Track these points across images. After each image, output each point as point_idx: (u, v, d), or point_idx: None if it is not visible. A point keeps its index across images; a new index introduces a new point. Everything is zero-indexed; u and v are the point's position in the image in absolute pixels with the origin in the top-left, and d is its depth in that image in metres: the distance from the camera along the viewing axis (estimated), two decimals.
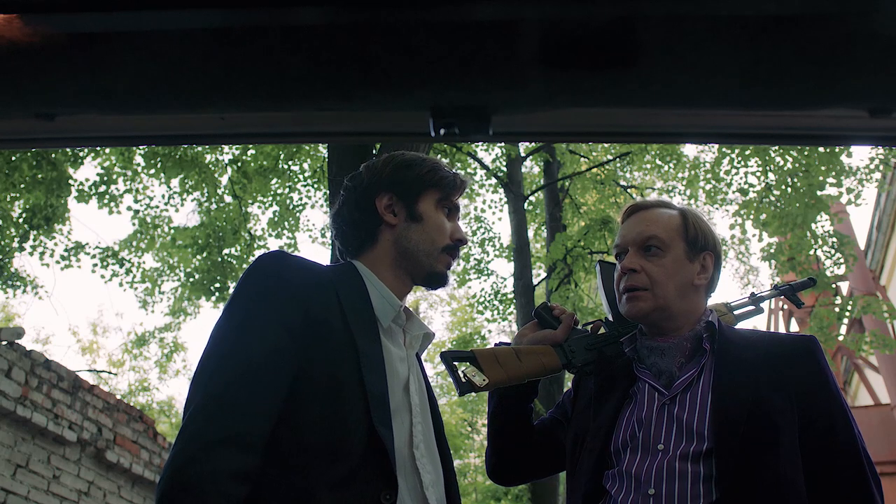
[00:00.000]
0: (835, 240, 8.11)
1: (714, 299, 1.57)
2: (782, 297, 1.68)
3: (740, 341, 1.43)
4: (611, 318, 1.59)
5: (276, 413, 1.17)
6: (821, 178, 7.84)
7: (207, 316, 20.01)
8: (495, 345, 1.54)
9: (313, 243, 18.37)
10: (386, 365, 1.28)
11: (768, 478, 1.24)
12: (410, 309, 1.44)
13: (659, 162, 10.02)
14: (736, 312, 1.64)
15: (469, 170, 10.28)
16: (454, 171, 1.50)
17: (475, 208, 10.54)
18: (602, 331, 1.57)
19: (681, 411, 1.35)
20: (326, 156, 6.69)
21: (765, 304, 1.68)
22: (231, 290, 1.32)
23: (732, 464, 1.25)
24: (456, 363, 1.42)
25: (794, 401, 1.32)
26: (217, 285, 7.81)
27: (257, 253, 5.35)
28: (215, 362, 1.19)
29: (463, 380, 1.39)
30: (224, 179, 8.20)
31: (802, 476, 1.27)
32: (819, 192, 7.82)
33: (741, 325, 1.61)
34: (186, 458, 1.08)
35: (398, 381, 1.31)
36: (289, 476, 1.15)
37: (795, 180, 7.93)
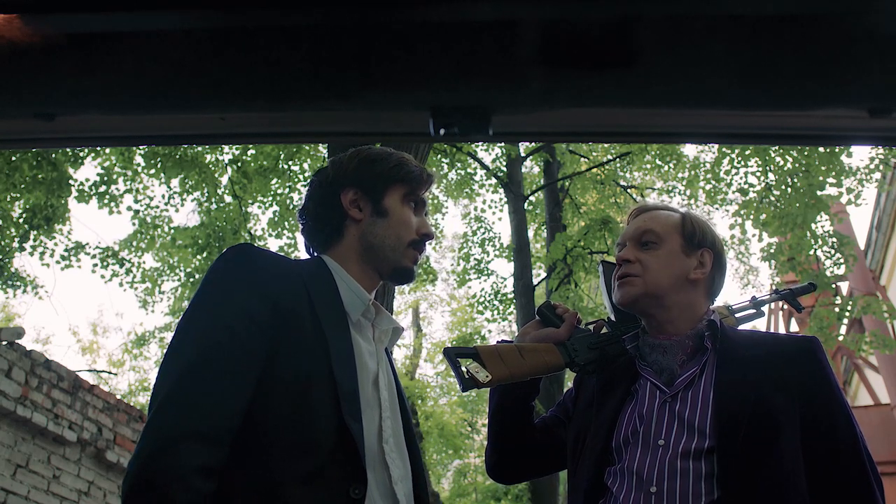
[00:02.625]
0: (835, 240, 8.11)
1: (715, 302, 1.58)
2: (784, 300, 1.69)
3: (742, 341, 1.43)
4: (613, 318, 1.60)
5: (243, 407, 1.15)
6: (821, 178, 7.83)
7: None
8: (497, 342, 1.54)
9: None
10: (356, 359, 1.27)
11: (770, 476, 1.25)
12: (379, 303, 1.43)
13: (659, 162, 10.02)
14: (737, 315, 1.64)
15: (469, 170, 10.28)
16: (420, 165, 1.49)
17: (475, 208, 10.55)
18: (604, 330, 1.58)
19: (682, 408, 1.35)
20: (326, 156, 6.69)
21: (765, 307, 1.69)
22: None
23: (734, 462, 1.25)
24: (459, 359, 1.42)
25: (796, 400, 1.33)
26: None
27: None
28: (182, 355, 1.18)
29: (466, 376, 1.39)
30: (224, 179, 8.20)
31: (804, 475, 1.27)
32: (819, 192, 7.82)
33: (741, 328, 1.62)
34: (151, 452, 1.07)
35: (367, 375, 1.30)
36: (255, 471, 1.14)
37: (795, 180, 7.93)
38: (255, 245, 1.43)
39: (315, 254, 1.47)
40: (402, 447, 1.33)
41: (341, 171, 1.45)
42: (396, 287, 5.83)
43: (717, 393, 1.34)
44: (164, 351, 1.23)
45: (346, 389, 1.22)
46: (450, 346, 1.52)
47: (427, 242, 1.47)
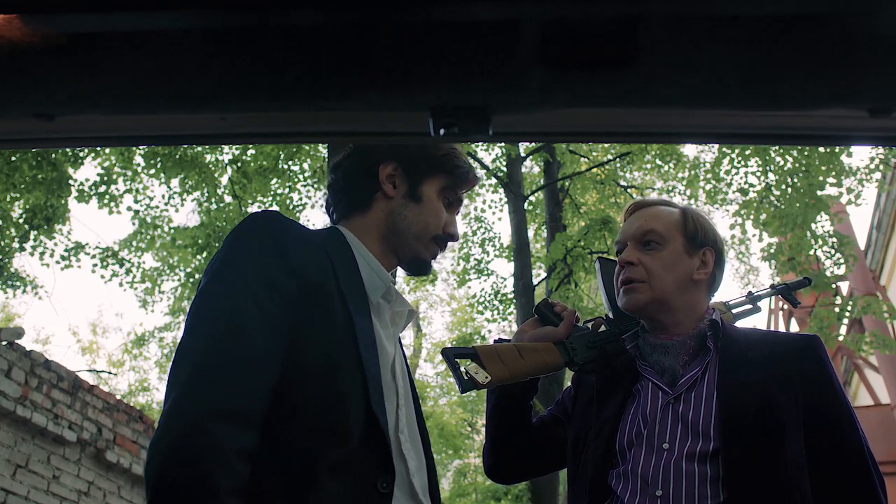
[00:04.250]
0: (835, 240, 8.11)
1: (712, 298, 1.58)
2: (779, 296, 1.69)
3: (744, 340, 1.43)
4: (611, 316, 1.59)
5: (273, 385, 1.07)
6: (821, 178, 7.84)
7: None
8: (495, 341, 1.54)
9: None
10: (376, 344, 1.21)
11: (776, 478, 1.24)
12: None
13: (659, 162, 10.02)
14: (734, 311, 1.64)
15: None
16: (470, 164, 1.42)
17: (475, 208, 10.55)
18: (603, 328, 1.57)
19: (686, 410, 1.35)
20: (326, 156, 6.69)
21: (763, 304, 1.69)
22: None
23: (740, 464, 1.25)
24: (458, 360, 1.42)
25: (799, 399, 1.33)
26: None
27: None
28: (207, 327, 1.09)
29: (465, 377, 1.38)
30: (224, 179, 8.20)
31: (807, 475, 1.27)
32: (819, 192, 7.83)
33: (740, 324, 1.62)
34: (184, 432, 0.98)
35: (387, 361, 1.23)
36: (288, 457, 1.06)
37: (795, 180, 7.93)
38: (279, 212, 1.34)
39: (335, 217, 1.40)
40: (416, 437, 1.27)
41: None
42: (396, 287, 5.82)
43: (720, 394, 1.33)
44: (185, 321, 1.12)
45: (374, 375, 1.15)
46: (448, 346, 1.51)
47: (449, 242, 1.41)
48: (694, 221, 1.50)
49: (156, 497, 0.96)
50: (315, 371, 1.12)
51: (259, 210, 1.30)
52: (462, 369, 1.40)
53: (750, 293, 1.68)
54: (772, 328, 14.27)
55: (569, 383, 1.69)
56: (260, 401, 1.05)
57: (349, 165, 1.39)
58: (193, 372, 1.04)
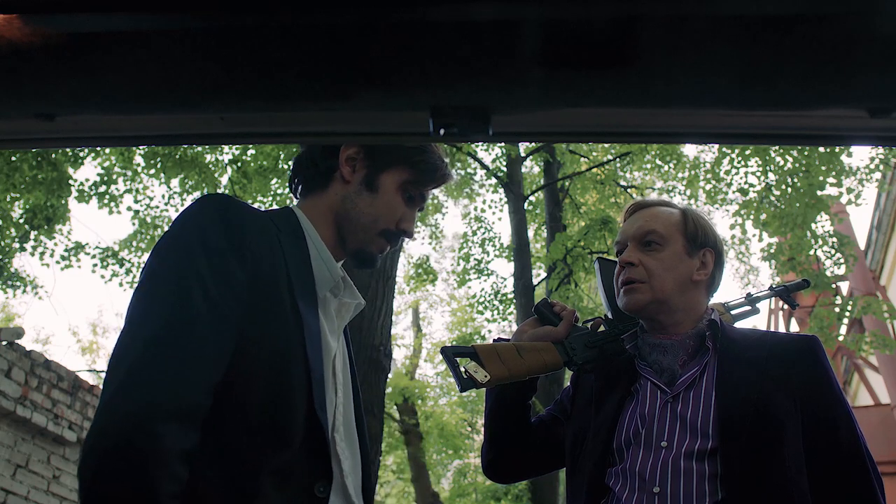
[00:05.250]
0: (835, 240, 8.11)
1: (712, 299, 1.58)
2: (778, 297, 1.69)
3: (743, 340, 1.43)
4: (610, 316, 1.59)
5: (216, 381, 1.01)
6: (821, 178, 7.84)
7: None
8: (494, 340, 1.54)
9: None
10: (321, 340, 1.15)
11: (774, 476, 1.25)
12: (347, 276, 1.31)
13: (659, 162, 10.02)
14: (733, 312, 1.64)
15: (469, 170, 10.28)
16: (443, 163, 1.34)
17: (475, 208, 10.55)
18: (602, 328, 1.57)
19: (684, 409, 1.35)
20: None
21: (763, 304, 1.69)
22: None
23: (738, 462, 1.25)
24: (457, 359, 1.42)
25: (798, 399, 1.33)
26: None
27: None
28: (150, 317, 1.01)
29: (464, 376, 1.38)
30: (224, 179, 8.20)
31: (805, 475, 1.27)
32: (819, 192, 7.82)
33: (738, 325, 1.62)
34: (125, 431, 0.91)
35: (329, 357, 1.18)
36: (229, 460, 1.01)
37: (795, 180, 7.93)
38: (232, 196, 1.26)
39: (295, 193, 1.35)
40: (353, 435, 1.22)
41: None
42: (396, 288, 5.83)
43: (718, 393, 1.34)
44: (127, 308, 1.04)
45: (318, 376, 1.10)
46: (448, 345, 1.51)
47: (403, 239, 1.34)
48: (694, 222, 1.51)
49: (89, 502, 0.90)
50: (260, 369, 1.06)
51: (211, 193, 1.20)
52: (461, 368, 1.40)
53: (749, 294, 1.69)
54: (772, 328, 14.27)
55: (568, 383, 1.69)
56: (204, 398, 0.99)
57: (311, 148, 1.34)
58: (135, 365, 0.97)
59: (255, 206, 7.71)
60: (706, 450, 1.29)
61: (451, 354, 1.42)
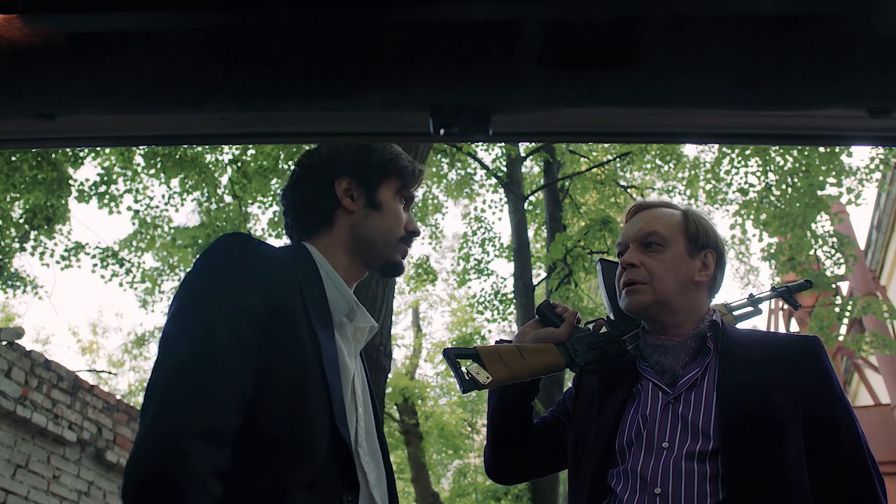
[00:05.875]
0: (835, 240, 8.11)
1: (714, 300, 1.58)
2: (780, 298, 1.69)
3: (744, 341, 1.43)
4: (612, 317, 1.59)
5: (244, 407, 1.10)
6: (821, 178, 7.84)
7: None
8: (496, 342, 1.54)
9: None
10: (339, 362, 1.26)
11: (775, 477, 1.25)
12: (358, 301, 1.40)
13: (659, 162, 10.03)
14: (735, 313, 1.64)
15: (469, 170, 10.28)
16: (412, 161, 1.46)
17: (475, 208, 10.55)
18: (603, 330, 1.57)
19: (686, 410, 1.35)
20: None
21: (764, 305, 1.69)
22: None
23: (739, 463, 1.25)
24: (459, 360, 1.42)
25: (799, 400, 1.33)
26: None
27: None
28: (180, 347, 1.12)
29: (466, 377, 1.38)
30: (224, 179, 8.20)
31: (807, 475, 1.27)
32: (819, 192, 7.83)
33: (740, 326, 1.62)
34: (161, 453, 1.01)
35: (347, 377, 1.28)
36: (258, 475, 1.10)
37: (795, 180, 7.93)
38: (250, 235, 1.39)
39: (296, 238, 1.42)
40: (376, 449, 1.31)
41: (336, 158, 1.41)
42: (396, 288, 5.84)
43: (720, 394, 1.34)
44: (159, 342, 1.16)
45: (338, 395, 1.20)
46: (449, 346, 1.51)
47: (414, 239, 1.45)
48: (696, 223, 1.51)
49: None
50: (282, 390, 1.16)
51: (229, 233, 1.33)
52: (463, 369, 1.40)
53: (751, 295, 1.68)
54: (772, 328, 14.27)
55: (569, 384, 1.69)
56: (232, 420, 1.09)
57: (302, 190, 1.42)
58: (169, 392, 1.07)
59: (255, 206, 7.68)
60: (707, 450, 1.29)
61: (453, 356, 1.42)
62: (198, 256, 1.26)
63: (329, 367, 1.20)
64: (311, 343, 1.20)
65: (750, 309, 1.66)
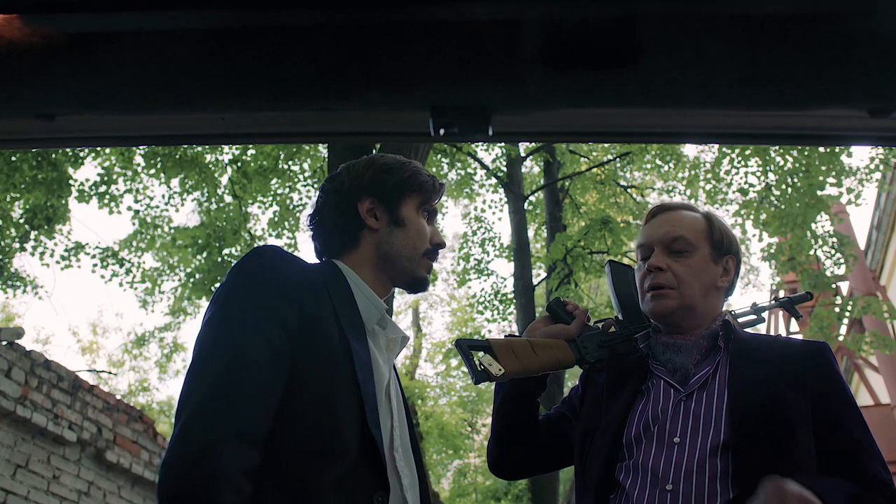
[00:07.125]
0: (835, 240, 8.11)
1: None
2: (783, 308, 1.70)
3: (754, 342, 1.45)
4: (621, 318, 1.60)
5: (273, 410, 1.16)
6: (821, 178, 7.84)
7: None
8: (505, 336, 1.55)
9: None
10: (373, 367, 1.30)
11: (786, 474, 1.25)
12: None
13: (659, 162, 10.02)
14: (739, 320, 1.65)
15: (469, 170, 10.28)
16: (432, 175, 1.52)
17: (475, 208, 10.54)
18: (612, 329, 1.58)
19: (697, 407, 1.36)
20: (326, 156, 6.69)
21: (765, 313, 1.71)
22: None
23: (750, 461, 1.26)
24: (472, 351, 1.43)
25: (808, 398, 1.34)
26: (217, 285, 7.79)
27: None
28: (215, 357, 1.18)
29: (479, 368, 1.40)
30: (224, 179, 8.20)
31: (817, 472, 1.28)
32: (819, 192, 7.82)
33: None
34: (195, 455, 1.06)
35: (381, 382, 1.32)
36: (288, 476, 1.15)
37: (795, 180, 7.93)
38: (280, 247, 1.44)
39: (324, 257, 1.48)
40: (410, 456, 1.35)
41: (357, 179, 1.46)
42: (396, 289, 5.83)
43: (731, 392, 1.34)
44: (193, 349, 1.22)
45: (370, 396, 1.24)
46: (463, 338, 1.53)
47: (439, 251, 1.49)
48: (720, 230, 1.53)
49: None
50: (313, 394, 1.20)
51: (262, 244, 1.39)
52: (476, 360, 1.41)
53: (754, 304, 1.70)
54: (771, 328, 14.28)
55: (570, 384, 1.69)
56: (263, 424, 1.13)
57: (328, 213, 1.47)
58: (204, 397, 1.12)
59: (255, 206, 7.68)
60: (719, 447, 1.29)
61: (466, 347, 1.44)
62: (231, 267, 1.33)
63: (361, 370, 1.24)
64: (342, 347, 1.25)
65: (753, 317, 1.67)
